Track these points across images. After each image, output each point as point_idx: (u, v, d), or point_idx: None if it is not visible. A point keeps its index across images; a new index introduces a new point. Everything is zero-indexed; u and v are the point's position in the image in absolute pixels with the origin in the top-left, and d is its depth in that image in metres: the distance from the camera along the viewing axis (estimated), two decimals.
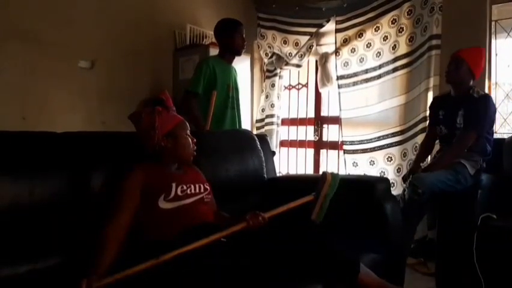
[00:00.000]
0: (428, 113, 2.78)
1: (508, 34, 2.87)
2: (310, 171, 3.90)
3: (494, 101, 2.80)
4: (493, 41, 2.87)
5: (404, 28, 3.08)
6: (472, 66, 2.41)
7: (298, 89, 4.06)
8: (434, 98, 2.73)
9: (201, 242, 1.28)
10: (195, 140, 1.63)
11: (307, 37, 3.62)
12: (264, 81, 4.06)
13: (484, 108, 2.35)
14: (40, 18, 2.67)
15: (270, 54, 3.92)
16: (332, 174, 1.56)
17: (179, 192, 1.47)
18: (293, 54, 3.73)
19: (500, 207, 2.22)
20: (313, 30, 3.59)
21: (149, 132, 1.52)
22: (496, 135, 2.77)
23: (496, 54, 2.89)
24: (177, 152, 1.57)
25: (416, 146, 3.01)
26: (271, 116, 3.94)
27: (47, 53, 2.71)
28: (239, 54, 2.77)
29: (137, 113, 1.59)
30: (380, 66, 3.21)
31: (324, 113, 3.88)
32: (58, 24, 2.76)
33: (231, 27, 2.69)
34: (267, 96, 3.98)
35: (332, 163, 3.78)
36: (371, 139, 3.28)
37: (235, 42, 2.69)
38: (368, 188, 1.88)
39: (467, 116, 2.38)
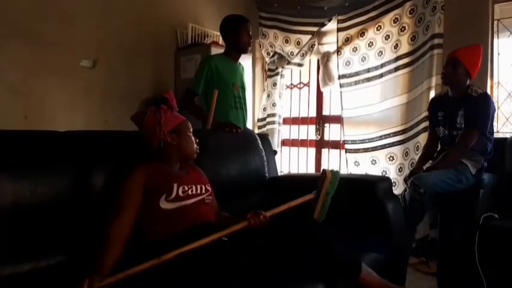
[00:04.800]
0: None
1: (511, 33, 2.86)
2: (311, 170, 3.90)
3: (496, 100, 2.81)
4: (495, 40, 2.86)
5: (406, 27, 3.08)
6: (468, 67, 2.40)
7: (300, 88, 4.06)
8: (432, 100, 2.72)
9: (202, 241, 1.28)
10: (197, 140, 1.65)
11: (309, 36, 3.62)
12: (266, 80, 4.05)
13: (484, 107, 2.35)
14: (42, 18, 2.68)
15: (271, 53, 3.92)
16: (332, 171, 1.57)
17: (180, 193, 1.48)
18: (295, 53, 3.73)
19: (502, 206, 2.22)
20: (315, 29, 3.58)
21: (155, 129, 1.54)
22: (498, 135, 2.76)
23: (499, 54, 2.88)
24: (181, 149, 1.59)
25: (418, 146, 3.01)
26: (273, 115, 3.94)
27: (49, 52, 2.72)
28: (245, 51, 2.67)
29: (140, 112, 1.61)
30: (381, 65, 3.20)
31: (325, 112, 3.88)
32: (60, 24, 2.77)
33: (236, 24, 2.59)
34: (268, 96, 3.98)
35: (334, 162, 3.78)
36: (372, 138, 3.27)
37: (240, 39, 2.58)
38: (370, 187, 1.87)
39: (468, 116, 2.37)
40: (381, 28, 3.20)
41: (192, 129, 1.65)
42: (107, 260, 1.25)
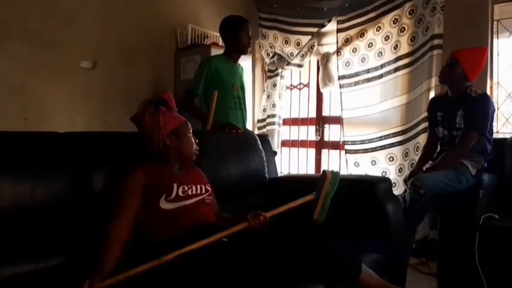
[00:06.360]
0: None
1: (510, 33, 2.86)
2: (311, 171, 3.89)
3: (495, 101, 2.81)
4: (495, 40, 2.86)
5: (406, 28, 3.08)
6: (466, 69, 2.37)
7: (299, 89, 4.06)
8: (431, 100, 2.71)
9: (202, 242, 1.28)
10: (197, 141, 1.65)
11: (309, 37, 3.62)
12: (266, 81, 4.06)
13: (484, 107, 2.34)
14: (42, 19, 2.68)
15: (271, 54, 3.92)
16: (332, 172, 1.57)
17: (180, 193, 1.48)
18: (295, 54, 3.73)
19: (502, 207, 2.22)
20: (314, 30, 3.58)
21: (154, 131, 1.54)
22: (498, 135, 2.76)
23: (498, 54, 2.88)
24: (181, 151, 1.59)
25: (417, 146, 3.00)
26: (273, 116, 3.94)
27: (49, 54, 2.72)
28: (244, 52, 2.68)
29: (140, 113, 1.61)
30: (381, 66, 3.20)
31: (325, 112, 3.88)
32: (60, 25, 2.77)
33: (235, 25, 2.60)
34: (268, 96, 3.98)
35: (334, 163, 3.78)
36: (372, 139, 3.27)
37: (240, 40, 2.59)
38: (370, 188, 1.87)
39: (467, 116, 2.36)
40: (380, 29, 3.20)
41: (191, 130, 1.65)
42: (107, 260, 1.25)
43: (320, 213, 1.51)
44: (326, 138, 3.85)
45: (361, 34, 3.30)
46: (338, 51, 3.43)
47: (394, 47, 3.13)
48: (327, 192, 1.52)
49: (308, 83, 3.99)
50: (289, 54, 3.77)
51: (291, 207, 1.49)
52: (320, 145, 3.87)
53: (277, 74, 3.93)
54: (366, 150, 3.31)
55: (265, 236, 1.39)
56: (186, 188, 1.51)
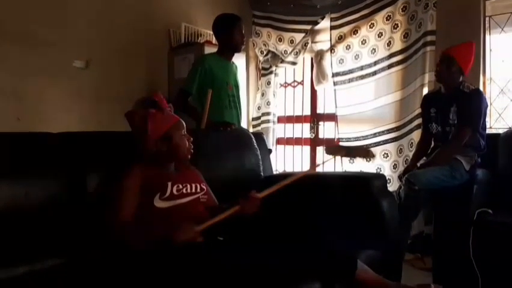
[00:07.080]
0: None
1: (502, 29, 2.88)
2: (306, 168, 3.89)
3: (488, 96, 2.83)
4: (487, 36, 2.88)
5: (399, 24, 3.09)
6: (462, 65, 2.41)
7: (294, 87, 4.06)
8: (425, 96, 2.73)
9: (199, 227, 1.29)
10: (191, 139, 1.62)
11: (303, 34, 3.62)
12: (260, 79, 4.05)
13: (477, 103, 2.36)
14: (34, 19, 2.66)
15: (265, 52, 3.91)
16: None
17: (174, 191, 1.47)
18: (288, 52, 3.73)
19: (496, 202, 2.24)
20: (308, 27, 3.59)
21: (143, 137, 1.52)
22: (491, 131, 2.78)
23: (490, 50, 2.90)
24: (172, 154, 1.56)
25: (411, 142, 3.02)
26: (267, 113, 3.94)
27: (42, 53, 2.69)
28: (238, 50, 2.68)
29: (132, 112, 1.58)
30: (375, 63, 3.21)
31: (320, 110, 3.88)
32: (52, 24, 2.75)
33: (228, 23, 2.60)
34: (262, 94, 3.98)
35: (328, 160, 3.78)
36: (367, 136, 3.28)
37: (233, 38, 2.58)
38: (365, 184, 1.88)
39: (461, 112, 2.38)
40: (374, 26, 3.21)
41: (185, 128, 1.62)
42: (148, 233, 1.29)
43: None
44: (320, 136, 3.85)
45: (354, 31, 3.31)
46: (332, 49, 3.43)
47: (387, 44, 3.14)
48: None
49: (302, 81, 4.00)
50: (283, 52, 3.77)
51: (287, 184, 1.49)
52: (315, 142, 3.88)
53: (271, 72, 3.93)
54: None
55: (263, 235, 1.39)
56: (181, 186, 1.50)
